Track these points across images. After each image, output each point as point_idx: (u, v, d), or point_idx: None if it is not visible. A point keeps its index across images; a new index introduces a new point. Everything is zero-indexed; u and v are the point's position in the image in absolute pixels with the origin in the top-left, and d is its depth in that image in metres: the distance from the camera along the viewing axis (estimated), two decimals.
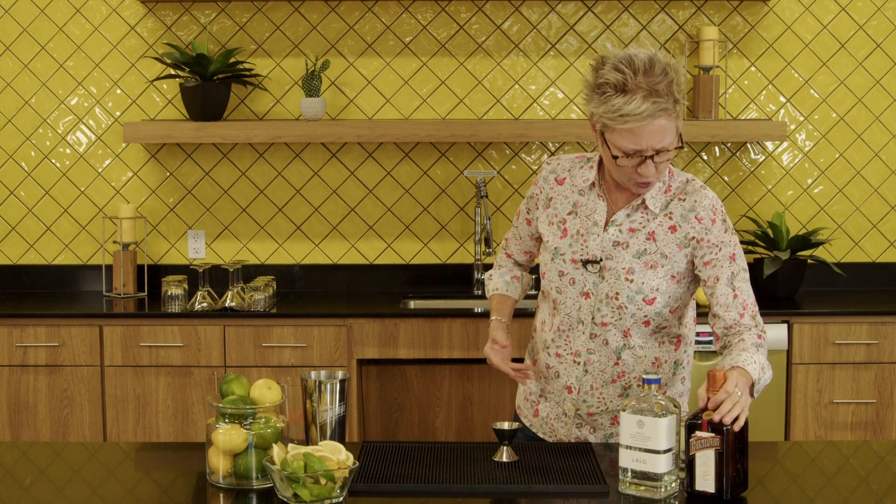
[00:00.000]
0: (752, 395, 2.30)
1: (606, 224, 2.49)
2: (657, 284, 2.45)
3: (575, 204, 2.54)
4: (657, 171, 2.38)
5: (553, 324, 2.57)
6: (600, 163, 2.53)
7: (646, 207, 2.47)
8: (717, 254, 2.44)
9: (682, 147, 2.38)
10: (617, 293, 2.46)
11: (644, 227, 2.47)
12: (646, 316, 2.47)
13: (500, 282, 2.77)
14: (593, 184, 2.52)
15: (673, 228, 2.46)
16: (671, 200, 2.47)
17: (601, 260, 2.47)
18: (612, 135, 2.35)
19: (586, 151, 4.59)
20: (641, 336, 2.50)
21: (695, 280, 2.51)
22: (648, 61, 2.31)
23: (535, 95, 4.56)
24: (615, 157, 2.37)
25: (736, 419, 2.14)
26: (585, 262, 2.48)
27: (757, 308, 2.47)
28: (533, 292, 4.51)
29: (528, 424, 2.69)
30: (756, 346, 2.38)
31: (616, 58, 2.33)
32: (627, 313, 2.47)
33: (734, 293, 2.43)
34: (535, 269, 2.78)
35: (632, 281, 2.45)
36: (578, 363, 2.53)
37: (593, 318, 2.49)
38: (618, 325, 2.49)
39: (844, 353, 4.08)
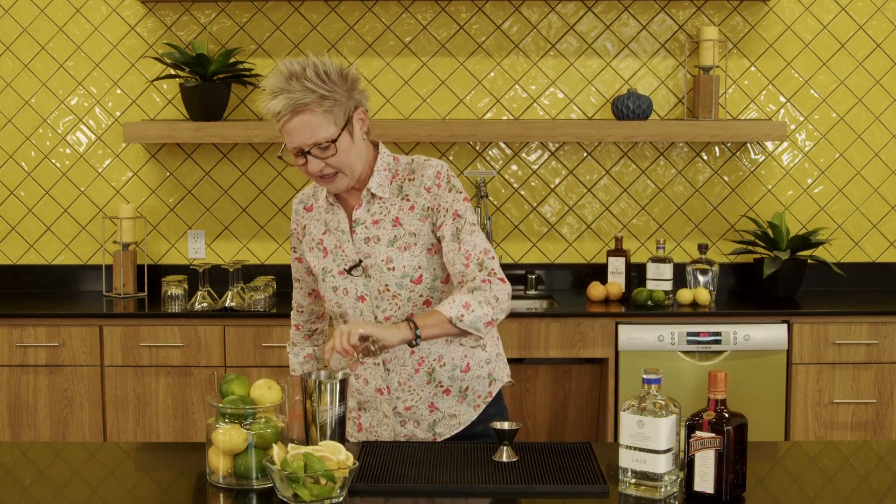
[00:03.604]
0: (459, 329, 2.40)
1: (351, 228, 2.58)
2: (417, 262, 2.54)
3: (326, 222, 2.63)
4: (328, 166, 2.47)
5: None
6: None
7: (379, 198, 2.56)
8: (444, 216, 2.54)
9: (335, 140, 2.43)
10: (386, 285, 2.55)
11: (386, 215, 2.56)
12: (421, 296, 2.56)
13: (296, 363, 2.86)
14: (328, 198, 2.61)
15: (412, 207, 2.56)
16: (403, 183, 2.57)
17: (360, 262, 2.56)
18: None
19: (586, 151, 4.60)
20: None
21: None
22: (286, 67, 2.43)
23: (535, 95, 4.56)
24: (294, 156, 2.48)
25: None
26: (349, 270, 2.57)
27: (488, 255, 2.52)
28: (534, 293, 4.52)
29: (354, 441, 2.70)
30: (470, 290, 2.45)
31: (273, 69, 2.47)
32: (403, 299, 2.55)
33: (459, 246, 2.50)
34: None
35: (393, 269, 2.54)
36: (378, 364, 2.60)
37: (376, 317, 2.57)
38: (400, 315, 2.56)
39: (844, 353, 4.08)
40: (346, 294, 2.58)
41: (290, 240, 2.75)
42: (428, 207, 2.54)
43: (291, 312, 2.89)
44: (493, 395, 2.67)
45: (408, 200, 2.56)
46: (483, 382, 2.65)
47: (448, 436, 2.63)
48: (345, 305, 2.59)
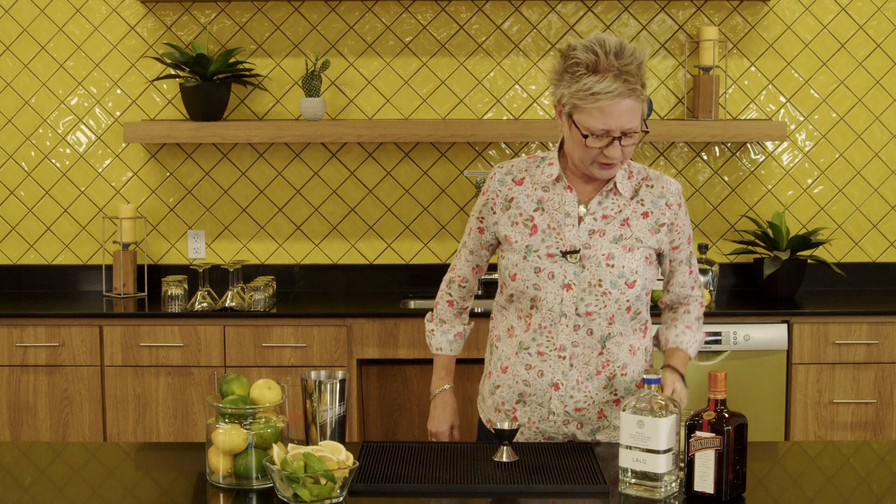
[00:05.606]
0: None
1: (579, 215, 2.53)
2: (636, 267, 2.52)
3: (540, 200, 2.56)
4: (623, 155, 2.44)
5: (531, 323, 2.56)
6: (560, 158, 2.57)
7: (616, 193, 2.54)
8: (682, 238, 2.61)
9: (647, 131, 2.46)
10: (600, 280, 2.50)
11: (618, 213, 2.53)
12: (628, 301, 2.52)
13: (444, 341, 2.79)
14: (558, 178, 2.55)
15: (645, 214, 2.54)
16: (639, 186, 2.56)
17: (579, 249, 2.50)
18: (581, 115, 2.40)
19: None
20: (623, 323, 2.54)
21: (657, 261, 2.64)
22: (619, 45, 2.39)
23: (535, 95, 4.56)
24: (585, 137, 2.41)
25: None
26: (565, 254, 2.50)
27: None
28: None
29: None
30: (698, 320, 2.70)
31: (587, 40, 2.41)
32: (612, 299, 2.50)
33: (690, 270, 2.66)
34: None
35: (613, 266, 2.50)
36: (563, 357, 2.53)
37: (577, 310, 2.51)
38: (602, 314, 2.51)
39: (844, 353, 4.09)
40: (552, 278, 2.50)
41: (478, 210, 2.64)
42: (663, 223, 2.54)
43: (443, 287, 2.78)
44: None
45: (642, 205, 2.54)
46: None
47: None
48: (545, 289, 2.50)
